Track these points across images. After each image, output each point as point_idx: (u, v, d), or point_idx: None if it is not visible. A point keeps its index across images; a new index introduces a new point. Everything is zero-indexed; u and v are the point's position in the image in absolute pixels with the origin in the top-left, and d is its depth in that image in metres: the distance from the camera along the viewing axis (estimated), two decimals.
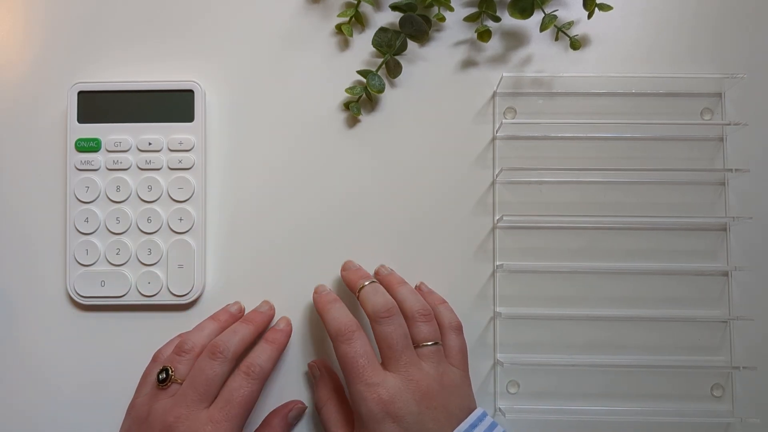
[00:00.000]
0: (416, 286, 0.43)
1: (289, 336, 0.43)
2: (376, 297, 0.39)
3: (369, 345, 0.37)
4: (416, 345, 0.38)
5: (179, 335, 0.43)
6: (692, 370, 0.44)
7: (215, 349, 0.38)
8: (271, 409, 0.43)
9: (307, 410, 0.43)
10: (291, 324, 0.43)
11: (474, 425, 0.37)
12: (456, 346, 0.40)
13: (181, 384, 0.38)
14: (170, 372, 0.38)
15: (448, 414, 0.36)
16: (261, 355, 0.39)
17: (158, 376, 0.38)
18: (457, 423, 0.36)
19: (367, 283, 0.40)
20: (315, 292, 0.41)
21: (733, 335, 0.44)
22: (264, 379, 0.38)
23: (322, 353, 0.44)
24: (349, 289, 0.41)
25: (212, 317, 0.42)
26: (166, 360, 0.40)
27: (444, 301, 0.42)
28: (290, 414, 0.42)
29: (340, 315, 0.38)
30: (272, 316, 0.43)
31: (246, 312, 0.43)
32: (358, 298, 0.40)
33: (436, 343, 0.38)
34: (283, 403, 0.43)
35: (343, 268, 0.42)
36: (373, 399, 0.35)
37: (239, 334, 0.39)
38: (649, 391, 0.43)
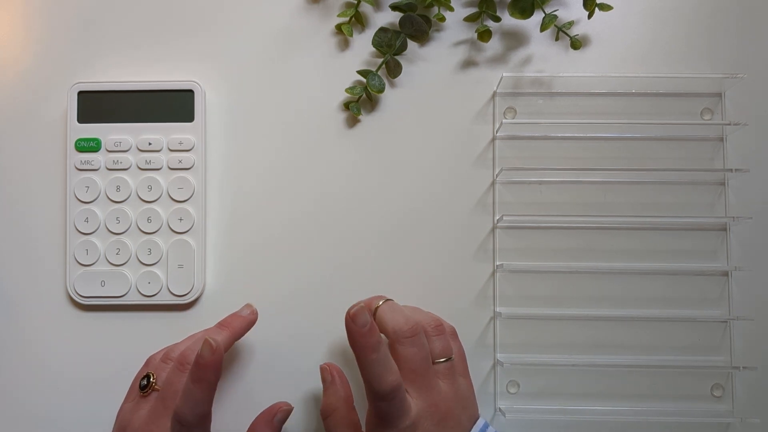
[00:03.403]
0: None
1: (250, 324, 0.40)
2: (395, 315, 0.37)
3: (405, 392, 0.35)
4: (431, 361, 0.37)
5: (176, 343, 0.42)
6: (692, 370, 0.44)
7: (183, 360, 0.37)
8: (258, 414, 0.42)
9: (308, 416, 0.43)
10: (256, 314, 0.41)
11: None
12: (456, 353, 0.39)
13: (159, 392, 0.37)
14: (152, 379, 0.38)
15: (461, 427, 0.36)
16: (188, 401, 0.34)
17: (140, 383, 0.38)
18: None
19: (381, 302, 0.38)
20: (351, 321, 0.35)
21: (733, 335, 0.44)
22: (206, 422, 0.35)
23: (318, 358, 0.43)
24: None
25: (205, 330, 0.41)
26: (153, 367, 0.39)
27: (430, 313, 0.42)
28: (276, 417, 0.40)
29: (385, 372, 0.34)
30: (253, 320, 0.41)
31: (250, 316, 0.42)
32: (374, 319, 0.37)
33: (449, 359, 0.38)
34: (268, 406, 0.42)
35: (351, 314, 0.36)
36: (396, 428, 0.34)
37: None
38: (649, 391, 0.43)
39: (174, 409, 0.34)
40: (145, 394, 0.37)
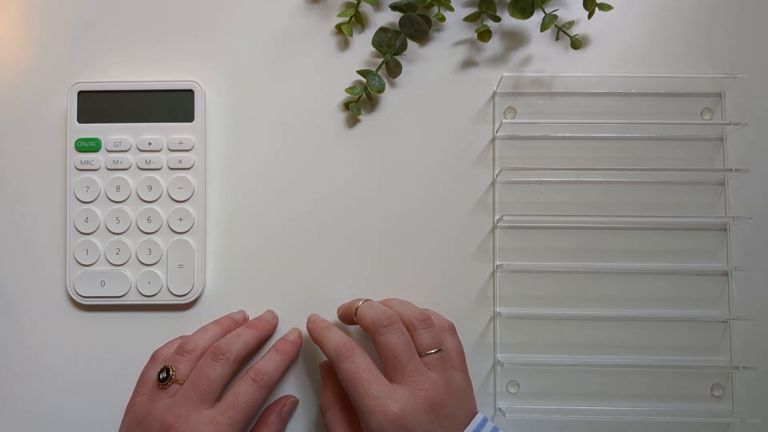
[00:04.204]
0: None
1: (299, 348, 0.43)
2: (373, 309, 0.38)
3: (370, 360, 0.37)
4: (420, 354, 0.37)
5: (180, 337, 0.43)
6: (692, 370, 0.44)
7: (218, 350, 0.38)
8: (265, 406, 0.42)
9: (310, 409, 0.43)
10: (302, 337, 0.43)
11: None
12: (453, 348, 0.40)
13: (181, 384, 0.38)
14: (171, 372, 0.38)
15: (456, 422, 0.36)
16: (269, 363, 0.39)
17: (159, 376, 0.38)
18: (462, 428, 0.36)
19: (361, 302, 0.40)
20: (309, 322, 0.41)
21: (733, 335, 0.44)
22: (271, 387, 0.39)
23: (317, 357, 0.43)
24: (345, 320, 0.42)
25: (215, 321, 0.42)
26: (166, 359, 0.40)
27: (427, 309, 0.42)
28: (284, 410, 0.42)
29: (336, 337, 0.38)
30: (275, 325, 0.43)
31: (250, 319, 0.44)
32: (356, 318, 0.40)
33: (439, 350, 0.38)
34: (275, 399, 0.43)
35: (318, 323, 0.42)
36: (383, 413, 0.34)
37: (242, 337, 0.40)
38: (649, 391, 0.43)
39: (252, 368, 0.39)
40: (164, 386, 0.38)
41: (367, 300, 0.40)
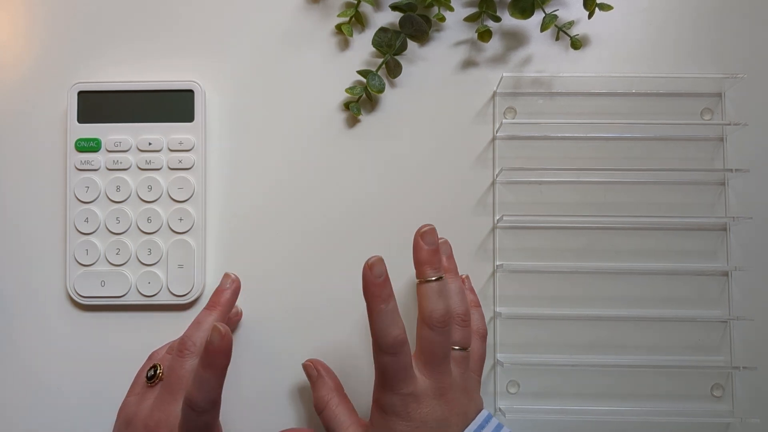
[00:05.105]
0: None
1: (228, 351, 0.33)
2: (437, 302, 0.36)
3: (410, 353, 0.36)
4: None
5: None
6: (692, 370, 0.44)
7: (182, 346, 0.37)
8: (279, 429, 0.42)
9: (310, 409, 0.43)
10: (241, 312, 0.43)
11: (482, 426, 0.37)
12: (477, 353, 0.40)
13: None
14: (158, 369, 0.38)
15: (465, 418, 0.37)
16: (201, 387, 0.33)
17: (147, 374, 0.38)
18: (469, 423, 0.37)
19: (434, 278, 0.37)
20: (369, 270, 0.35)
21: (733, 335, 0.44)
22: (216, 407, 0.34)
23: (319, 357, 0.43)
24: (414, 264, 0.38)
25: (207, 307, 0.40)
26: (158, 359, 0.40)
27: (478, 305, 0.43)
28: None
29: (391, 325, 0.35)
30: (237, 290, 0.41)
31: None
32: (418, 285, 0.37)
33: (466, 349, 0.38)
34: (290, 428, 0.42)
35: (421, 234, 0.37)
36: (403, 406, 0.36)
37: (203, 324, 0.38)
38: (649, 391, 0.43)
39: (185, 396, 0.34)
40: (152, 384, 0.38)
41: (438, 279, 0.37)
